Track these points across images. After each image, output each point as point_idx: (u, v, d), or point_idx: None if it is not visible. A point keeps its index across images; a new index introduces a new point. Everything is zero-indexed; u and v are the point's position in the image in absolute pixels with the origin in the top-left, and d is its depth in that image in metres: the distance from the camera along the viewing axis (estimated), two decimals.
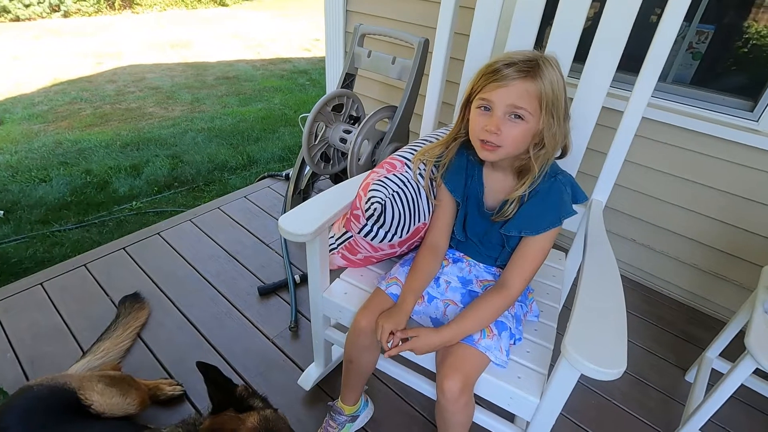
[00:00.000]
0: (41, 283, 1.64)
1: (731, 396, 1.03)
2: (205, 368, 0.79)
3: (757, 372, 1.01)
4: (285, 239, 1.93)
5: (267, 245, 1.93)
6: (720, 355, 1.38)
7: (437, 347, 0.90)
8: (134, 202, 2.56)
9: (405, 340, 0.90)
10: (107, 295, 1.61)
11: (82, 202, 2.55)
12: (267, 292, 1.66)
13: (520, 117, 0.83)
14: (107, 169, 2.90)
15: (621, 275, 0.87)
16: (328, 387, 1.34)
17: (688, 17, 1.55)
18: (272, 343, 1.47)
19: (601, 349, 0.71)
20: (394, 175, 0.97)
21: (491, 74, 0.83)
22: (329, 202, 1.03)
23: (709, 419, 1.09)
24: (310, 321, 1.40)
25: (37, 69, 5.04)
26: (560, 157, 0.95)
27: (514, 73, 0.81)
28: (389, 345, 0.90)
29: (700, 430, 1.14)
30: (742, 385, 1.32)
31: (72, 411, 0.96)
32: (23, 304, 1.56)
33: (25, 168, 2.89)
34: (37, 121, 3.75)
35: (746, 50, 1.57)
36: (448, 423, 0.96)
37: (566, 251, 1.27)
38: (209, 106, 4.22)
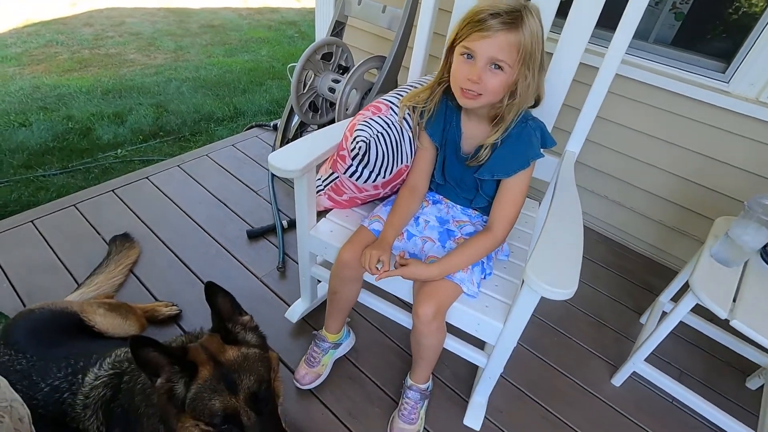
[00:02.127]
0: (32, 221, 1.66)
1: (675, 332, 1.15)
2: (210, 287, 0.79)
3: (700, 313, 1.12)
4: (273, 186, 1.97)
5: (255, 192, 1.97)
6: (671, 300, 1.52)
7: (422, 279, 0.97)
8: (119, 150, 2.54)
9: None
10: (98, 233, 1.65)
11: (65, 148, 2.52)
12: (255, 235, 1.72)
13: (500, 67, 0.87)
14: (89, 116, 2.84)
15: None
16: (313, 321, 1.44)
17: None
18: (261, 281, 1.55)
19: (557, 273, 0.80)
20: (379, 117, 1.02)
21: (476, 23, 0.86)
22: (318, 141, 1.08)
23: (653, 351, 1.23)
24: (297, 263, 1.48)
25: (6, 8, 4.74)
26: (533, 107, 1.00)
27: (499, 25, 0.84)
28: (379, 268, 0.96)
29: (645, 360, 1.28)
30: (688, 326, 1.46)
31: (76, 331, 1.03)
32: (15, 239, 1.59)
33: (3, 111, 2.81)
34: (11, 63, 3.58)
35: (725, 12, 1.61)
36: (421, 345, 1.06)
37: (540, 202, 1.36)
38: (193, 55, 4.08)
